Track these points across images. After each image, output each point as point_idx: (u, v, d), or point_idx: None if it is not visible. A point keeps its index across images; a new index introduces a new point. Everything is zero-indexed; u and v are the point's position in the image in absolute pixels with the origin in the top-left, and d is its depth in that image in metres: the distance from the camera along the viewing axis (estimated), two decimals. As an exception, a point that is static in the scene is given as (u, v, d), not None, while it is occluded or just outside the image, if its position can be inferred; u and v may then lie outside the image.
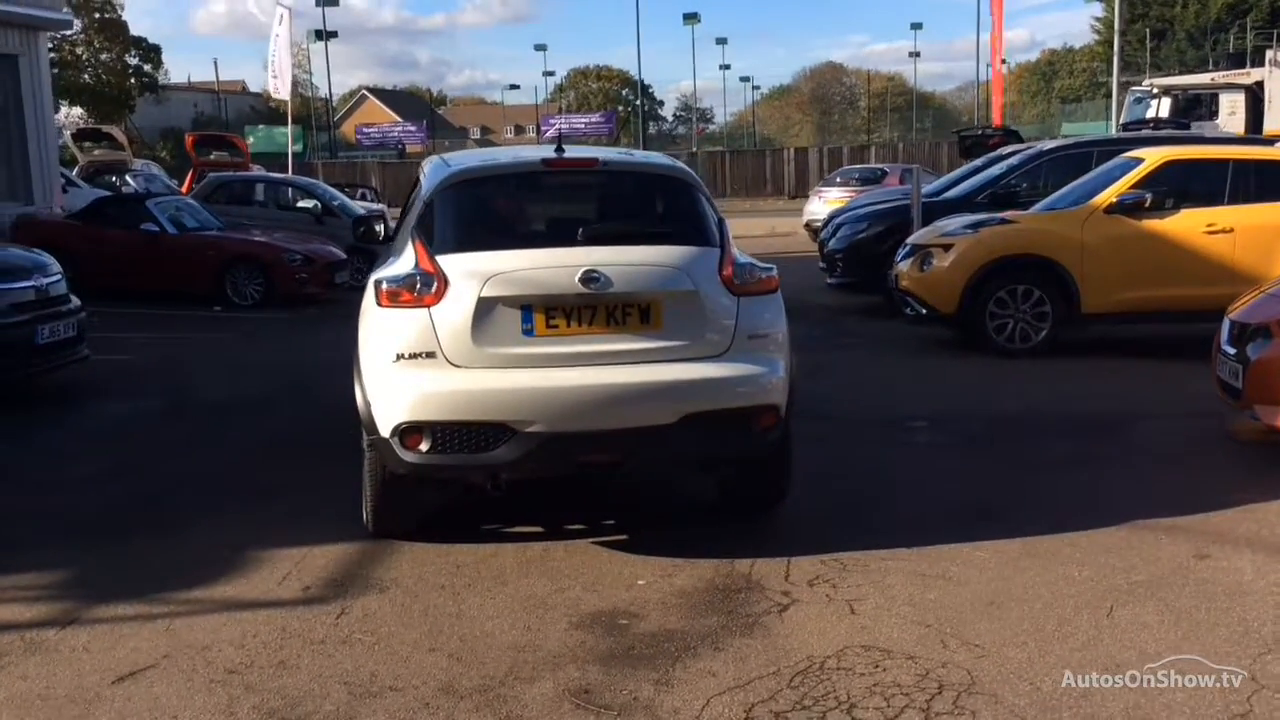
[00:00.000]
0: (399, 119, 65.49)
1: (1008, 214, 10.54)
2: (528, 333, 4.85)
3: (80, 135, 27.54)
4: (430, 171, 5.63)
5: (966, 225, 10.38)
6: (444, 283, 4.87)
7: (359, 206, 23.31)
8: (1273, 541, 5.09)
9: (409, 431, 4.80)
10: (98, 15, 45.91)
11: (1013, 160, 13.20)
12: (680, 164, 5.72)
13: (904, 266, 10.51)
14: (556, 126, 49.92)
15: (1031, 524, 5.36)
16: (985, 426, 7.38)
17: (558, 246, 5.01)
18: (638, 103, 66.30)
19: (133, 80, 47.96)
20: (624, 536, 5.38)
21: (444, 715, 3.68)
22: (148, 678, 3.97)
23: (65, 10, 20.38)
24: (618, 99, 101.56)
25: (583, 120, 54.06)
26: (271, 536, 5.37)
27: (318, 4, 49.18)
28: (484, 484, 5.10)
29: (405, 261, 5.08)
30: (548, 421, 4.76)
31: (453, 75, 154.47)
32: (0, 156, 17.36)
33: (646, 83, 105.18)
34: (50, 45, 46.37)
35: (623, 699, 3.77)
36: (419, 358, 4.83)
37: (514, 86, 68.38)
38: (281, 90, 26.19)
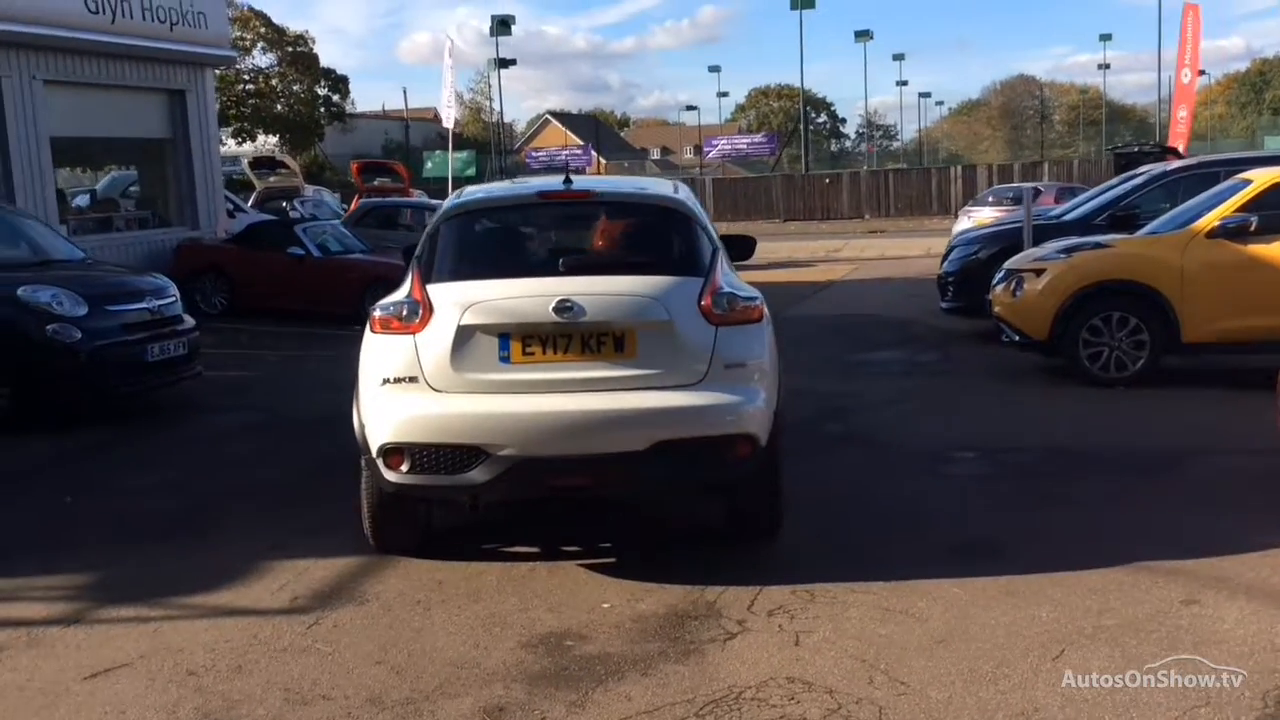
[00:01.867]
0: (580, 141, 67.09)
1: (1105, 238, 10.16)
2: (504, 360, 5.04)
3: (256, 163, 29.28)
4: (445, 203, 5.89)
5: (1060, 249, 10.06)
6: (429, 311, 5.11)
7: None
8: (1273, 590, 4.81)
9: (391, 452, 5.05)
10: (290, 49, 48.67)
11: (1136, 180, 12.68)
12: (676, 194, 5.80)
13: (998, 291, 10.27)
14: (718, 146, 50.27)
15: (1028, 561, 5.22)
16: (1034, 459, 7.16)
17: (539, 276, 5.18)
18: (810, 121, 65.79)
19: (322, 110, 50.61)
20: (612, 560, 5.49)
21: (359, 725, 3.87)
22: (117, 676, 4.31)
23: (230, 47, 21.77)
24: (799, 118, 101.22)
25: (745, 140, 54.07)
26: (286, 549, 5.71)
27: (491, 34, 50.95)
28: (463, 504, 5.30)
29: (402, 290, 5.36)
30: (519, 446, 4.93)
31: (642, 97, 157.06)
32: (169, 184, 18.72)
33: (829, 101, 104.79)
34: (246, 77, 49.55)
35: (532, 718, 3.89)
36: (403, 382, 5.07)
37: (691, 108, 69.08)
38: (447, 119, 27.06)
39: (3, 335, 8.75)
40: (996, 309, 10.26)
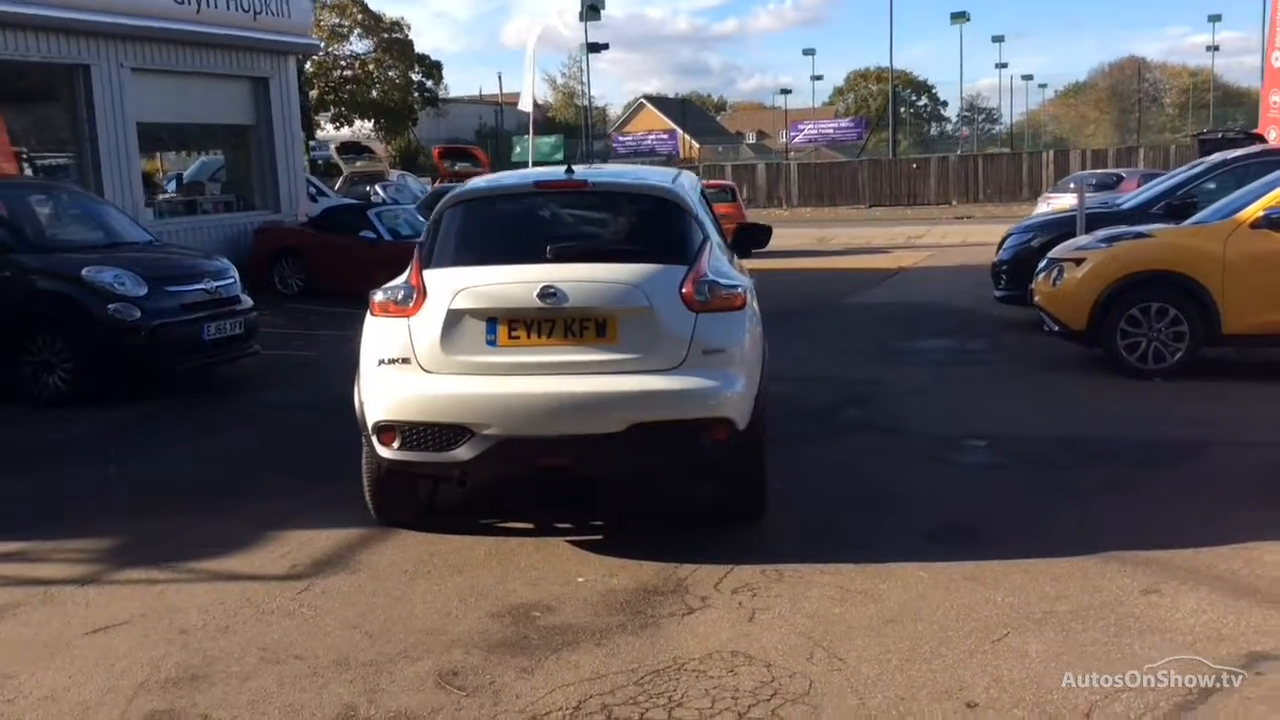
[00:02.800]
0: (674, 126, 67.24)
1: (1147, 227, 10.04)
2: (491, 343, 5.27)
3: (344, 149, 30.04)
4: (450, 193, 6.15)
5: (1102, 238, 9.98)
6: (423, 295, 5.37)
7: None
8: (1239, 583, 4.83)
9: (383, 429, 5.32)
10: (386, 35, 49.62)
11: (1195, 168, 12.45)
12: (671, 185, 5.96)
13: (1040, 280, 10.22)
14: (804, 131, 49.90)
15: (1004, 548, 5.30)
16: (1044, 449, 7.18)
17: (527, 263, 5.39)
18: (910, 104, 64.76)
19: (415, 95, 51.52)
20: (598, 538, 5.70)
21: (320, 683, 4.14)
22: (115, 632, 4.66)
23: (313, 35, 22.36)
24: (899, 100, 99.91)
25: (831, 125, 53.58)
26: (297, 519, 6.03)
27: (581, 19, 51.23)
28: (451, 481, 5.56)
29: (403, 275, 5.62)
30: (503, 425, 5.16)
31: (742, 80, 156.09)
32: (253, 169, 19.40)
33: (930, 84, 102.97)
34: (343, 63, 50.55)
35: (482, 682, 4.12)
36: (396, 363, 5.34)
37: (785, 91, 68.49)
38: (524, 103, 27.47)
39: (67, 313, 9.28)
40: (1037, 298, 10.21)
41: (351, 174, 27.10)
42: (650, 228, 5.75)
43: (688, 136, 73.39)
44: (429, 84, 52.27)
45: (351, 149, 29.79)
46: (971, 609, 4.62)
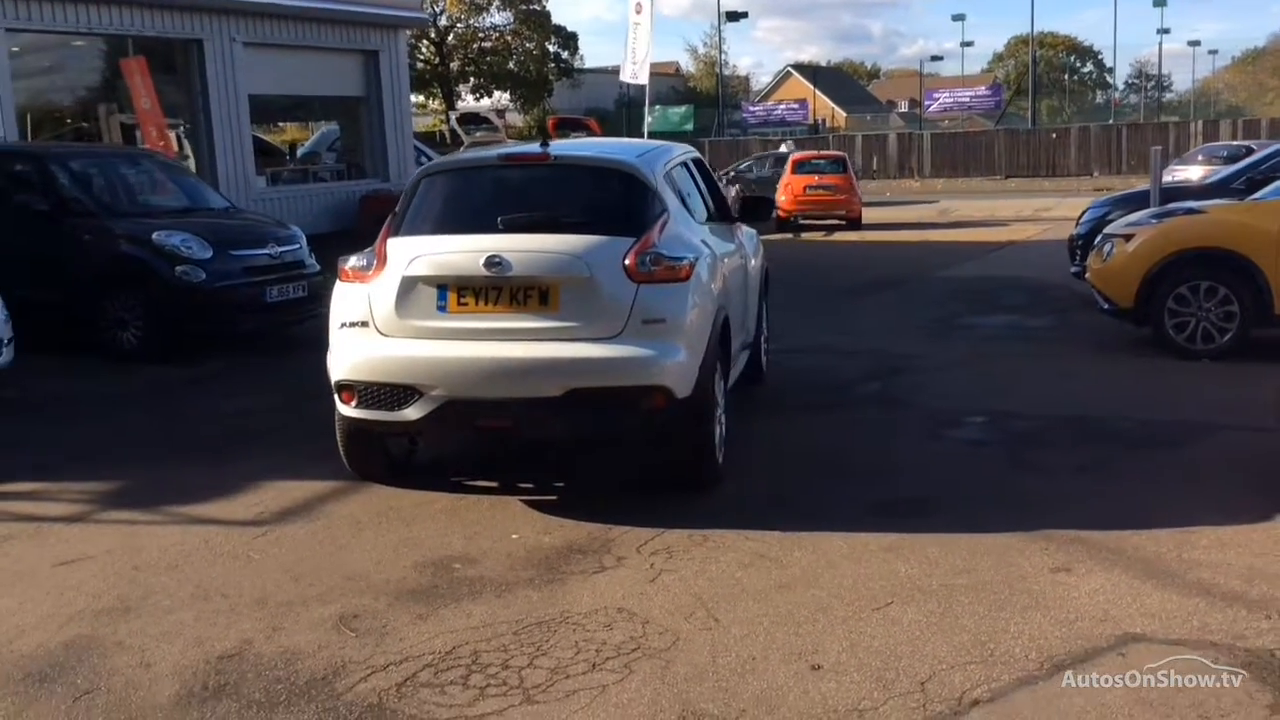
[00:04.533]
0: (816, 94, 66.50)
1: (1201, 203, 9.68)
2: (441, 309, 5.53)
3: (464, 119, 30.72)
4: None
5: (1153, 214, 9.67)
6: (383, 263, 5.65)
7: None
8: (1158, 566, 4.75)
9: (343, 388, 5.64)
10: (524, 7, 50.34)
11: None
12: (633, 159, 6.08)
13: (1092, 256, 9.98)
14: (939, 100, 48.70)
15: (939, 522, 5.33)
16: (1041, 426, 7.08)
17: (479, 233, 5.61)
18: (1074, 71, 62.22)
19: (552, 65, 52.18)
20: (554, 498, 5.92)
21: (232, 619, 4.46)
22: (80, 565, 5.09)
23: (423, 9, 22.93)
24: (1063, 67, 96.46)
25: (968, 93, 51.98)
26: (283, 470, 6.41)
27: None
28: (404, 439, 5.86)
29: (371, 245, 5.91)
30: (448, 387, 5.42)
31: (905, 46, 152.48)
32: (363, 139, 20.10)
33: (1096, 49, 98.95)
34: (481, 35, 51.46)
35: (375, 625, 4.39)
36: (356, 326, 5.65)
37: (936, 58, 66.89)
38: (640, 76, 27.62)
39: (138, 274, 9.90)
40: (1089, 275, 9.97)
41: (471, 144, 27.72)
42: (606, 200, 5.91)
43: (834, 105, 72.43)
44: (565, 55, 52.84)
45: (471, 119, 30.45)
46: (870, 578, 4.68)
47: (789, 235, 23.83)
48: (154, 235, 9.98)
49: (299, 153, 23.34)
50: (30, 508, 5.96)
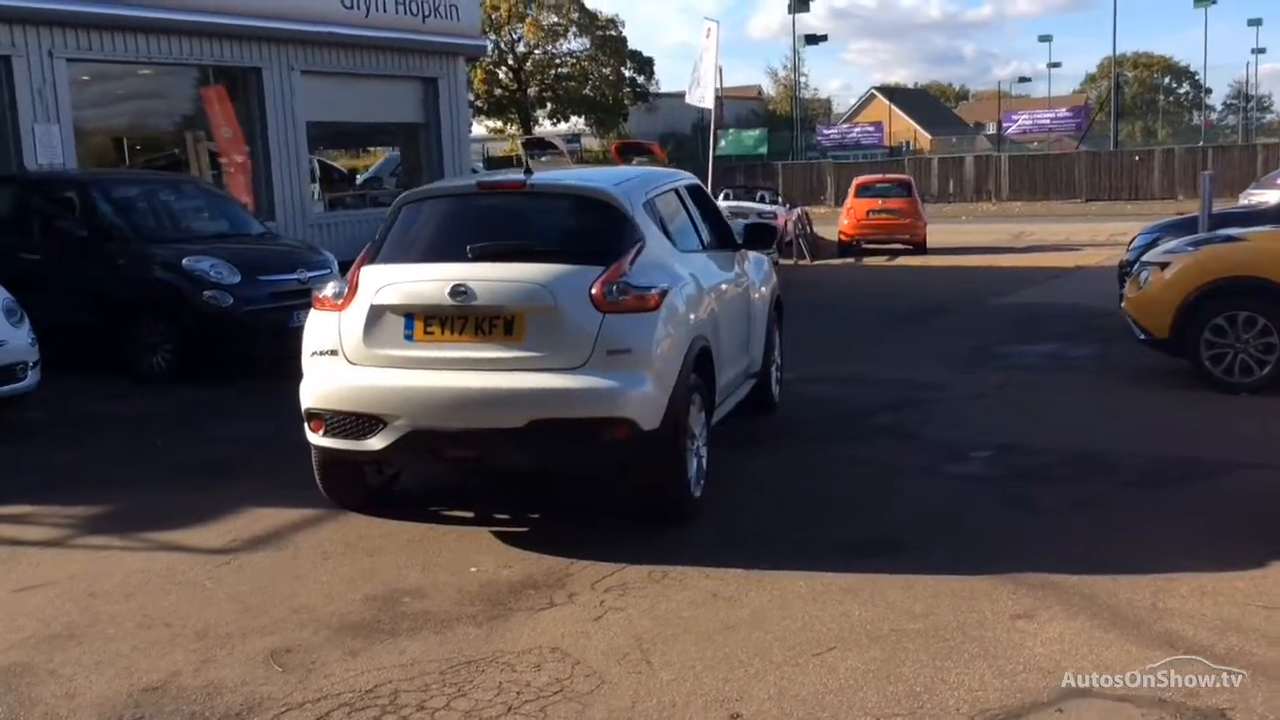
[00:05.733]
0: (902, 118, 65.89)
1: (1240, 230, 9.29)
2: (409, 338, 5.49)
3: (529, 144, 30.95)
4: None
5: (1190, 241, 9.30)
6: (354, 291, 5.63)
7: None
8: (1126, 614, 4.49)
9: (311, 417, 5.63)
10: (600, 33, 50.70)
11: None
12: (610, 187, 5.98)
13: (1129, 284, 9.63)
14: (1018, 122, 47.83)
15: (911, 563, 5.12)
16: (1048, 462, 6.81)
17: (447, 262, 5.56)
18: (1170, 93, 60.66)
19: (627, 89, 52.41)
20: (525, 529, 5.83)
21: (167, 650, 4.43)
22: (39, 591, 5.12)
23: (481, 37, 23.16)
24: (1157, 88, 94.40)
25: (1048, 115, 50.85)
26: (262, 498, 6.40)
27: (790, 11, 50.84)
28: (371, 468, 5.82)
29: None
30: (411, 417, 5.37)
31: (998, 68, 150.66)
32: (422, 165, 20.31)
33: (1192, 69, 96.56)
34: (558, 60, 51.95)
35: (305, 661, 4.33)
36: (326, 355, 5.63)
37: (1025, 79, 65.66)
38: (706, 100, 27.59)
39: (168, 299, 10.07)
40: (1124, 303, 9.62)
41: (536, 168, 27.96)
42: (579, 229, 5.84)
43: (917, 127, 71.55)
44: (640, 79, 53.04)
45: (536, 145, 30.69)
46: (819, 621, 4.51)
47: (850, 260, 23.54)
48: (184, 260, 10.14)
49: (361, 178, 23.68)
50: (12, 531, 6.03)
